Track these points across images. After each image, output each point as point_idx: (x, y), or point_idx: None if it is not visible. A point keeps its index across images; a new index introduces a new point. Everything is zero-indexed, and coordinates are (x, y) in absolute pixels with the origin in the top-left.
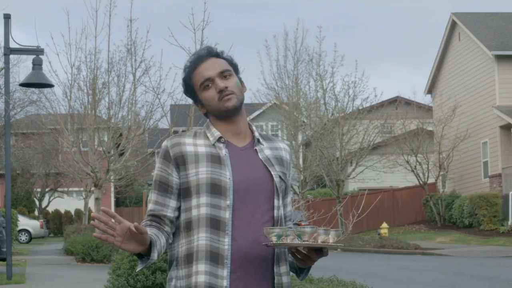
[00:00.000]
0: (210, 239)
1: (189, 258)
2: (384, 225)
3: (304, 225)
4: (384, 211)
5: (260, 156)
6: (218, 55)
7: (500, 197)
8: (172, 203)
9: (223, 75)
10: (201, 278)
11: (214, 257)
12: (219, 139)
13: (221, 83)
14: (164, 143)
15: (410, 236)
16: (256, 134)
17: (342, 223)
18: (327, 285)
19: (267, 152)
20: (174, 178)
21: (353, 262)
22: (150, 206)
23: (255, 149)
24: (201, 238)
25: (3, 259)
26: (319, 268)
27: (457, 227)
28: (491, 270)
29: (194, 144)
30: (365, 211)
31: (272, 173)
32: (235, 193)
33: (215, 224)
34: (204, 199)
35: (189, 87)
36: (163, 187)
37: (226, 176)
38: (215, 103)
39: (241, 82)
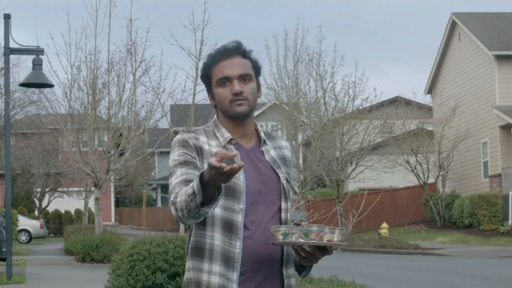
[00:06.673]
0: (223, 241)
1: (199, 252)
2: (384, 225)
3: (304, 225)
4: (384, 211)
5: (267, 158)
6: (245, 54)
7: (500, 197)
8: None
9: (242, 78)
10: (215, 279)
11: (226, 260)
12: (229, 141)
13: (237, 86)
14: (180, 136)
15: (410, 236)
16: (262, 134)
17: (342, 223)
18: (327, 285)
19: (273, 153)
20: (198, 162)
21: (353, 262)
22: (181, 177)
23: (262, 150)
24: (216, 238)
25: (3, 259)
26: (319, 268)
27: (457, 227)
28: (491, 270)
29: (208, 144)
30: (365, 211)
31: (280, 175)
32: (247, 196)
33: (227, 227)
34: None
35: (207, 76)
36: (192, 165)
37: (240, 179)
38: (226, 103)
39: (258, 87)
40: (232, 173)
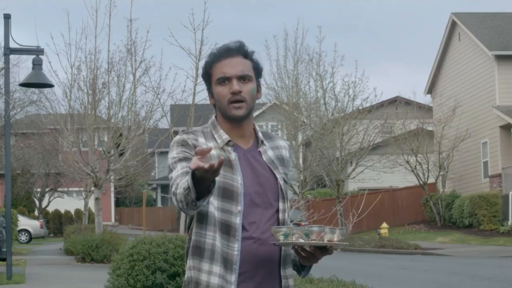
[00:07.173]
0: (222, 243)
1: (199, 252)
2: (384, 225)
3: (304, 225)
4: (384, 211)
5: (264, 158)
6: (246, 55)
7: (500, 197)
8: None
9: (242, 78)
10: (215, 280)
11: (225, 261)
12: (227, 143)
13: (236, 85)
14: (179, 137)
15: (410, 236)
16: (260, 135)
17: (342, 223)
18: (327, 285)
19: (270, 153)
20: None
21: (353, 262)
22: (181, 170)
23: (259, 151)
24: (217, 239)
25: (3, 259)
26: (319, 268)
27: (457, 227)
28: (491, 270)
29: (207, 145)
30: (365, 211)
31: (277, 176)
32: (244, 197)
33: (225, 229)
34: (215, 202)
35: (207, 75)
36: (191, 161)
37: (238, 181)
38: (225, 102)
39: (258, 88)
40: (215, 169)
